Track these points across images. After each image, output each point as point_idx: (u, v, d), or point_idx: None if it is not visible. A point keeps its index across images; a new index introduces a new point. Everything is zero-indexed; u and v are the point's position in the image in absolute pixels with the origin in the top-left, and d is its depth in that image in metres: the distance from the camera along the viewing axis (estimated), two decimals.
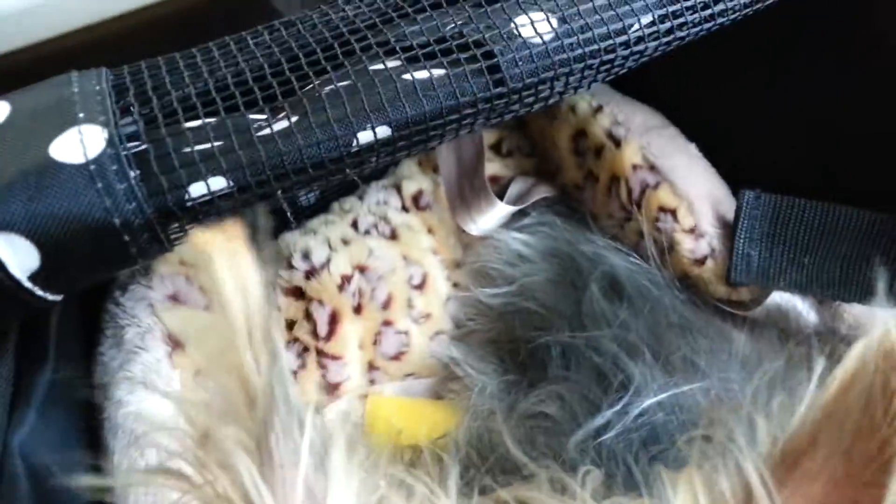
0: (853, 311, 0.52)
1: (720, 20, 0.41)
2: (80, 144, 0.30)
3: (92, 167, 0.30)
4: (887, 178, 0.51)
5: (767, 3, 0.43)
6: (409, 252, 0.60)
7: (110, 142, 0.31)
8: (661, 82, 0.56)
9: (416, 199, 0.62)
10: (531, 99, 0.38)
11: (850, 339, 0.50)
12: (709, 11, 0.40)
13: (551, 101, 0.41)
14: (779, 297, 0.52)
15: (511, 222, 0.62)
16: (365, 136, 0.34)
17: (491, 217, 0.61)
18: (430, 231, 0.62)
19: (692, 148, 0.58)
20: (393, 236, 0.60)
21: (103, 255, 0.32)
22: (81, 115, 0.31)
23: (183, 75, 0.35)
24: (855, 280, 0.51)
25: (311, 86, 0.35)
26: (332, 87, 0.35)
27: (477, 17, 0.37)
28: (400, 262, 0.59)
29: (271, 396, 0.23)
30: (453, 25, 0.37)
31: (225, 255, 0.24)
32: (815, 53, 0.53)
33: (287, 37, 0.38)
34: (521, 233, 0.60)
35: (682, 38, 0.41)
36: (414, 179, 0.63)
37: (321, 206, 0.60)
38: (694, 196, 0.54)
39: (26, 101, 0.33)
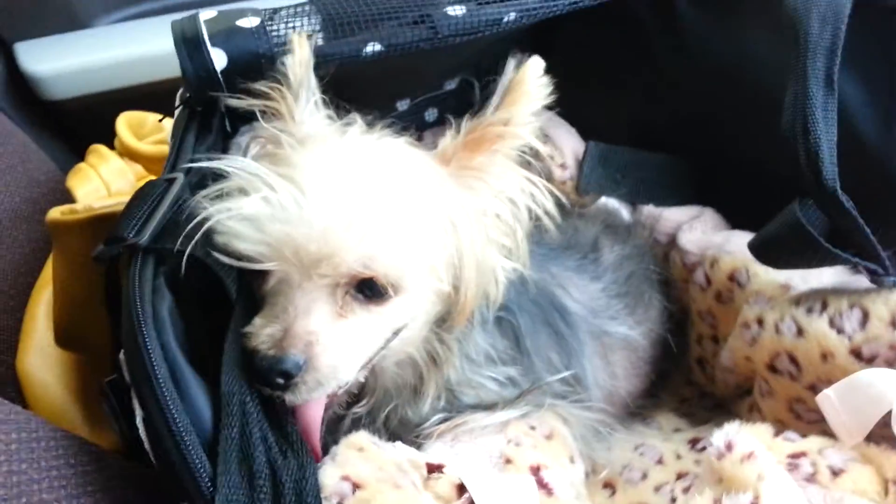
0: (645, 209, 0.89)
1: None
2: (250, 23, 0.71)
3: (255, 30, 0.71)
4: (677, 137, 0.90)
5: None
6: None
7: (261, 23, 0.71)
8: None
9: None
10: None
11: (645, 226, 0.87)
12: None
13: None
14: (605, 199, 0.89)
15: None
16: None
17: None
18: None
19: (566, 125, 0.97)
20: None
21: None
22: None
23: None
24: (646, 191, 0.88)
25: None
26: None
27: None
28: None
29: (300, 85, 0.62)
30: None
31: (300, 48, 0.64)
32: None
33: None
34: None
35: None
36: None
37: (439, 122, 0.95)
38: (564, 148, 0.93)
39: None
